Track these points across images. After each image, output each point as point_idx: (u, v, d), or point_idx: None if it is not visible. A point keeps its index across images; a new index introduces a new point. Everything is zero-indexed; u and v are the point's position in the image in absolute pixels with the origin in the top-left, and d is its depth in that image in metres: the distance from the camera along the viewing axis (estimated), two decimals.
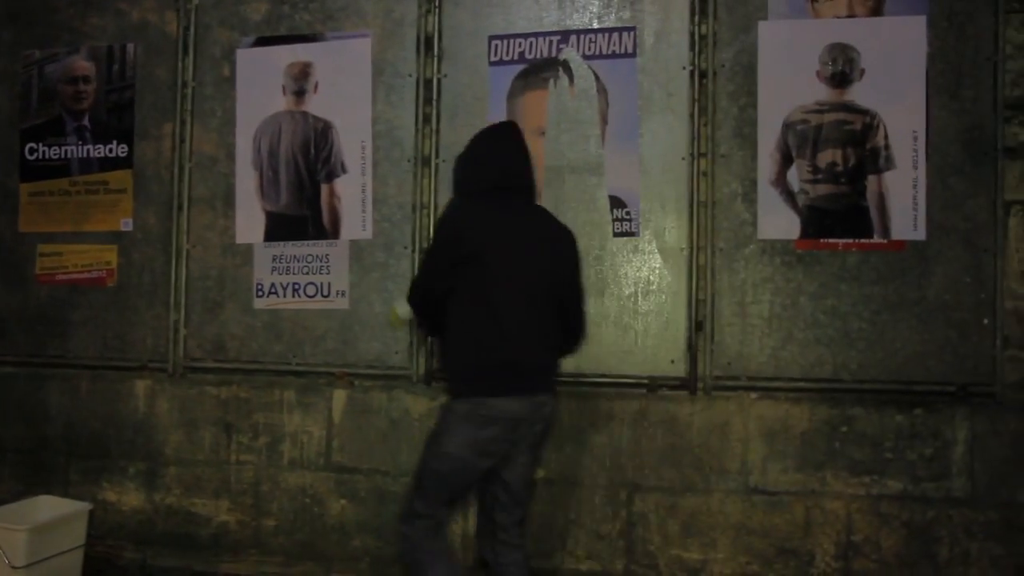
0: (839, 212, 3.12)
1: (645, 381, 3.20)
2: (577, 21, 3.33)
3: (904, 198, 3.06)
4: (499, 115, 3.32)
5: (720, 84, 3.22)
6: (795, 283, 3.14)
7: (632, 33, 3.28)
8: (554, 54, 3.33)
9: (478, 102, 3.36)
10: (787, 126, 3.16)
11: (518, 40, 3.36)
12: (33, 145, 3.82)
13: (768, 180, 3.17)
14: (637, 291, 3.22)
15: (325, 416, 3.42)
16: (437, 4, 3.40)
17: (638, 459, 3.20)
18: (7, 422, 3.80)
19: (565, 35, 3.33)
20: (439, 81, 3.40)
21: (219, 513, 3.54)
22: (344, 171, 3.46)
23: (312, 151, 3.49)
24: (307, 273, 3.48)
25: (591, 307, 3.21)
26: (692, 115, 3.22)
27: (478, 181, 2.57)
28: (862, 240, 3.09)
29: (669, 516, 3.18)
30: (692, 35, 3.23)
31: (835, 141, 3.12)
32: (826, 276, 3.12)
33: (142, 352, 3.66)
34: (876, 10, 3.12)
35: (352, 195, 3.44)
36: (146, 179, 3.69)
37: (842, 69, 3.12)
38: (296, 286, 3.49)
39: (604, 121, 3.28)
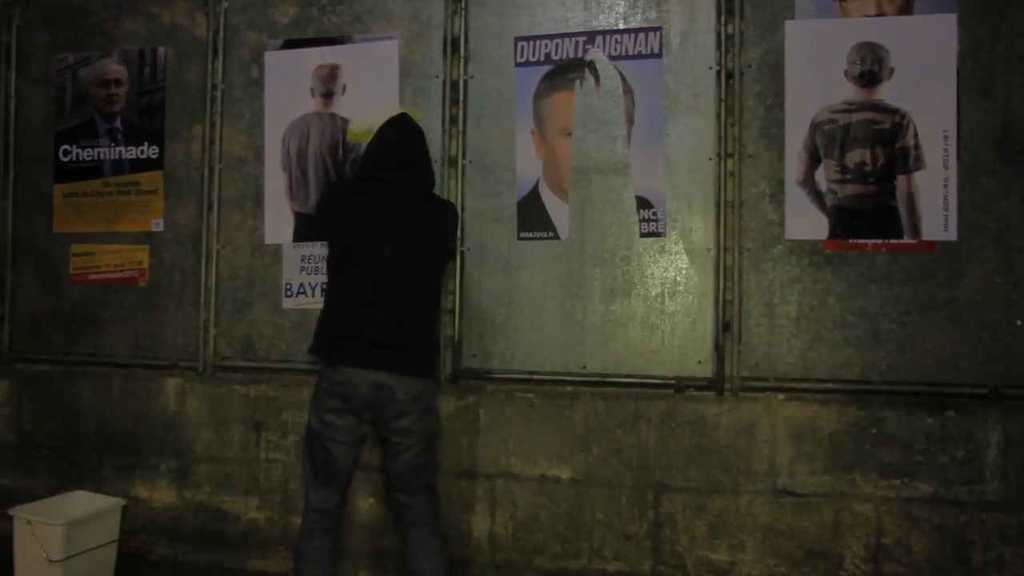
0: (868, 212, 3.09)
1: (672, 381, 3.20)
2: (603, 22, 3.33)
3: (935, 198, 3.03)
4: (526, 116, 3.34)
5: (747, 84, 3.21)
6: (823, 284, 3.12)
7: (658, 33, 3.28)
8: (580, 55, 3.33)
9: (504, 103, 3.38)
10: (815, 126, 3.14)
11: (544, 41, 3.37)
12: (67, 147, 3.89)
13: (796, 180, 3.16)
14: (664, 292, 3.22)
15: None
16: (463, 6, 3.42)
17: (665, 460, 3.19)
18: (42, 419, 3.88)
19: (591, 36, 3.33)
20: (466, 82, 3.42)
21: (248, 510, 3.59)
22: None
23: (340, 152, 3.51)
24: None
25: (618, 308, 3.24)
26: (719, 115, 3.21)
27: (360, 169, 2.88)
28: (892, 240, 3.07)
29: (696, 517, 3.17)
30: (719, 35, 3.22)
31: (864, 141, 3.10)
32: (855, 277, 3.09)
33: (173, 351, 3.72)
34: (906, 8, 3.09)
35: None
36: (177, 180, 3.75)
37: (871, 68, 3.10)
38: (324, 286, 3.52)
39: (630, 121, 3.28)
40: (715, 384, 3.17)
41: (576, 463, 3.26)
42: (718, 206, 3.19)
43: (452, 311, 3.36)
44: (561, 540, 3.27)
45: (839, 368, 3.10)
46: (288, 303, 3.56)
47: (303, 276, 3.54)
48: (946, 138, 3.02)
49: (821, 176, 3.14)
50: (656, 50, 3.28)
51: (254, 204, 3.63)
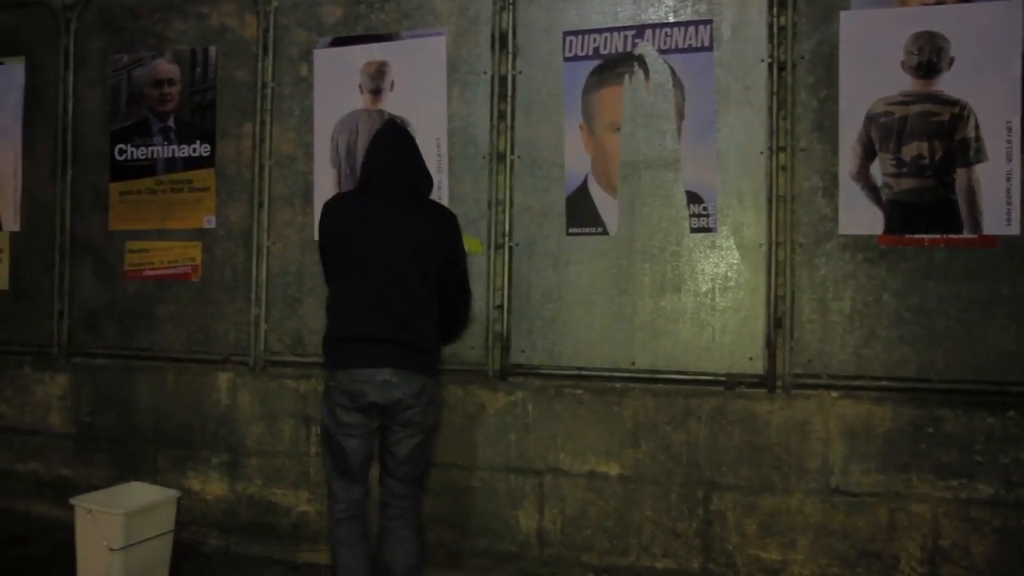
0: (925, 206, 3.02)
1: (722, 378, 3.17)
2: (652, 15, 3.30)
3: (997, 191, 2.94)
4: (574, 111, 3.33)
5: (799, 76, 3.16)
6: (878, 280, 3.06)
7: (708, 26, 3.24)
8: (629, 49, 3.31)
9: (552, 98, 3.37)
10: (870, 119, 3.08)
11: (593, 35, 3.35)
12: (122, 146, 3.98)
13: (850, 174, 3.10)
14: (714, 287, 3.19)
15: None
16: (511, 1, 3.42)
17: (715, 457, 3.16)
18: (100, 412, 3.98)
19: (640, 30, 3.30)
20: (514, 78, 3.41)
21: (299, 504, 3.64)
22: None
23: None
24: None
25: (668, 303, 3.21)
26: (771, 108, 3.16)
27: (358, 178, 2.90)
28: (950, 235, 2.99)
29: (747, 515, 3.14)
30: (771, 27, 3.17)
31: (921, 133, 3.03)
32: (911, 272, 3.03)
33: (224, 346, 3.78)
34: None
35: None
36: (228, 178, 3.81)
37: (929, 59, 3.02)
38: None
39: (680, 116, 3.25)
40: (767, 381, 3.13)
41: (625, 460, 3.24)
42: (770, 201, 3.15)
43: (500, 307, 3.36)
44: (609, 537, 3.26)
45: (894, 366, 3.03)
46: None
47: None
48: (1009, 129, 2.94)
49: (876, 170, 3.07)
50: (706, 43, 3.24)
51: (303, 201, 3.67)
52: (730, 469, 3.15)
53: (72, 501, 3.29)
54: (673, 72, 3.26)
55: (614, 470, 3.26)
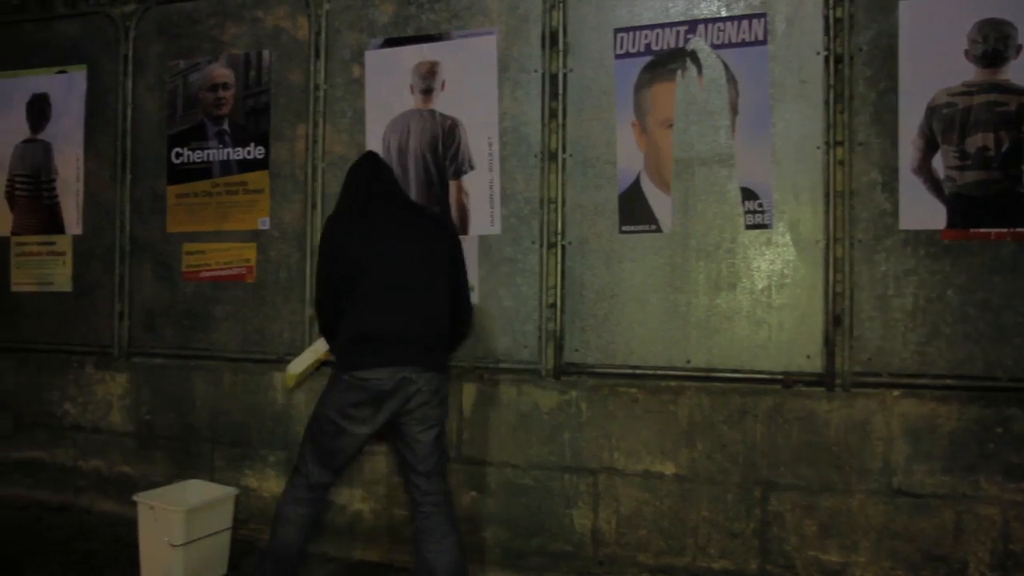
0: (991, 200, 2.94)
1: (779, 377, 3.12)
2: (704, 10, 3.26)
3: None
4: (626, 108, 3.31)
5: (857, 69, 3.09)
6: (941, 275, 2.98)
7: (762, 20, 3.19)
8: (681, 45, 3.27)
9: (604, 96, 3.35)
10: (931, 110, 3.01)
11: (644, 32, 3.32)
12: (179, 150, 4.06)
13: (910, 168, 3.03)
14: (771, 285, 3.14)
15: (455, 409, 3.47)
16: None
17: (773, 456, 3.11)
18: (159, 410, 4.07)
19: (692, 25, 3.27)
20: (565, 76, 3.40)
21: (353, 502, 3.68)
22: (472, 167, 3.51)
23: (440, 148, 3.56)
24: None
25: (723, 301, 3.18)
26: (827, 102, 3.10)
27: (345, 199, 3.04)
28: (1018, 229, 2.90)
29: (806, 516, 3.08)
30: (827, 19, 3.11)
31: (986, 124, 2.95)
32: (976, 268, 2.95)
33: (279, 345, 3.83)
34: None
35: (480, 191, 3.49)
36: (282, 179, 3.86)
37: (995, 47, 2.94)
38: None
39: (734, 111, 3.21)
40: (825, 379, 3.07)
41: (680, 459, 3.21)
42: (827, 196, 3.09)
43: (553, 305, 3.36)
44: (665, 537, 3.23)
45: (959, 364, 2.96)
46: None
47: None
48: None
49: (938, 163, 3.00)
50: (760, 37, 3.19)
51: None
52: (788, 469, 3.10)
53: (135, 498, 3.37)
54: (726, 67, 3.22)
55: (669, 469, 3.23)
